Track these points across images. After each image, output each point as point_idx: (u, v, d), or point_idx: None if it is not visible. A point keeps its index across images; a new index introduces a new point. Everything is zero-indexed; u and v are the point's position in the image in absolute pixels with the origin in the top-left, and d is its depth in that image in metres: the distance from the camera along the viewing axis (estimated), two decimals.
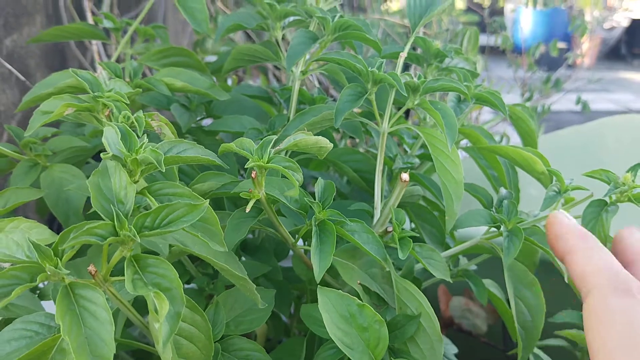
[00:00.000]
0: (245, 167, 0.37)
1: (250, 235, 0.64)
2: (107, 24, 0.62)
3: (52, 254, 0.33)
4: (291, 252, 0.59)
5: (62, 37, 0.63)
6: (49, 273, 0.32)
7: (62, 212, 0.49)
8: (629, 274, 0.35)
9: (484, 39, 2.08)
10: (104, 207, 0.34)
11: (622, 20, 6.89)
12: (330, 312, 0.37)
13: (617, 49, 6.97)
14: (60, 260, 0.33)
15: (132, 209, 0.34)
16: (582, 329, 0.64)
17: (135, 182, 0.36)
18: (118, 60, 0.65)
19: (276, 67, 0.99)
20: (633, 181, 0.48)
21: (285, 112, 0.63)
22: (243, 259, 0.57)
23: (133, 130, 0.39)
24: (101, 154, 0.36)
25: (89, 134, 0.60)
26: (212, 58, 0.92)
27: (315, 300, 0.54)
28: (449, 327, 0.90)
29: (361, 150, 0.66)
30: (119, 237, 0.33)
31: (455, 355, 0.67)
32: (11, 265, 0.34)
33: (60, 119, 0.47)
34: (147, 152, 0.35)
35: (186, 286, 0.57)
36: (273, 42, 0.58)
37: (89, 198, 0.49)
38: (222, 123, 0.54)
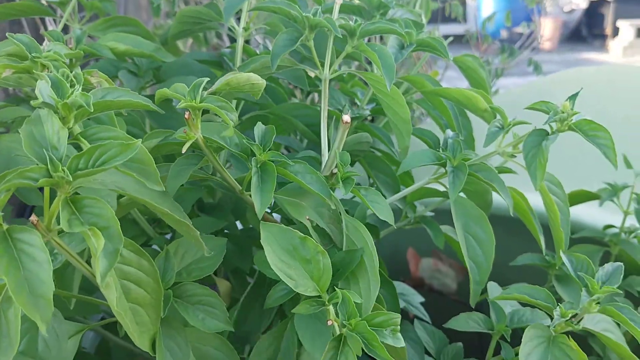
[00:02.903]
0: (176, 107, 0.37)
1: (211, 200, 0.64)
2: None
3: None
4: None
5: (10, 15, 0.63)
6: None
7: None
8: None
9: (449, 28, 2.12)
10: (36, 152, 0.34)
11: (581, 3, 7.03)
12: (273, 246, 0.38)
13: (578, 31, 7.13)
14: None
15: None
16: (543, 270, 0.66)
17: (70, 129, 0.37)
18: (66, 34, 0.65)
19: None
20: (572, 109, 0.49)
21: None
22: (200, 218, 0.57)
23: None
24: (31, 102, 0.36)
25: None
26: None
27: None
28: (420, 288, 0.92)
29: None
30: (53, 179, 0.33)
31: (422, 304, 0.68)
32: None
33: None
34: (77, 96, 0.35)
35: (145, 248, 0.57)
36: (216, 3, 0.58)
37: None
38: (168, 84, 0.55)
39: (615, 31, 6.41)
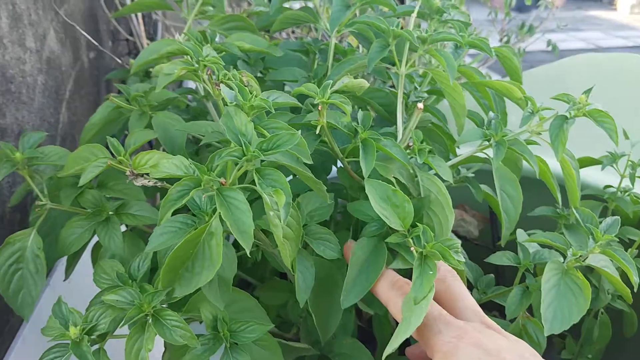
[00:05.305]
0: (308, 104, 0.55)
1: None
2: None
3: (206, 169, 0.51)
4: (334, 170, 0.77)
5: (138, 10, 0.79)
6: (206, 182, 0.50)
7: (170, 148, 0.67)
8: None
9: None
10: (233, 138, 0.52)
11: None
12: (374, 195, 0.55)
13: None
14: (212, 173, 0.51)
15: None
16: (553, 219, 0.84)
17: None
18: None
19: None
20: (586, 101, 0.66)
21: (317, 61, 0.81)
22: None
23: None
24: (226, 103, 0.53)
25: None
26: None
27: None
28: None
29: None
30: (248, 156, 0.51)
31: None
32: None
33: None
34: (258, 99, 0.52)
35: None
36: (311, 7, 0.74)
37: (187, 136, 0.67)
38: (280, 73, 0.72)
39: None
